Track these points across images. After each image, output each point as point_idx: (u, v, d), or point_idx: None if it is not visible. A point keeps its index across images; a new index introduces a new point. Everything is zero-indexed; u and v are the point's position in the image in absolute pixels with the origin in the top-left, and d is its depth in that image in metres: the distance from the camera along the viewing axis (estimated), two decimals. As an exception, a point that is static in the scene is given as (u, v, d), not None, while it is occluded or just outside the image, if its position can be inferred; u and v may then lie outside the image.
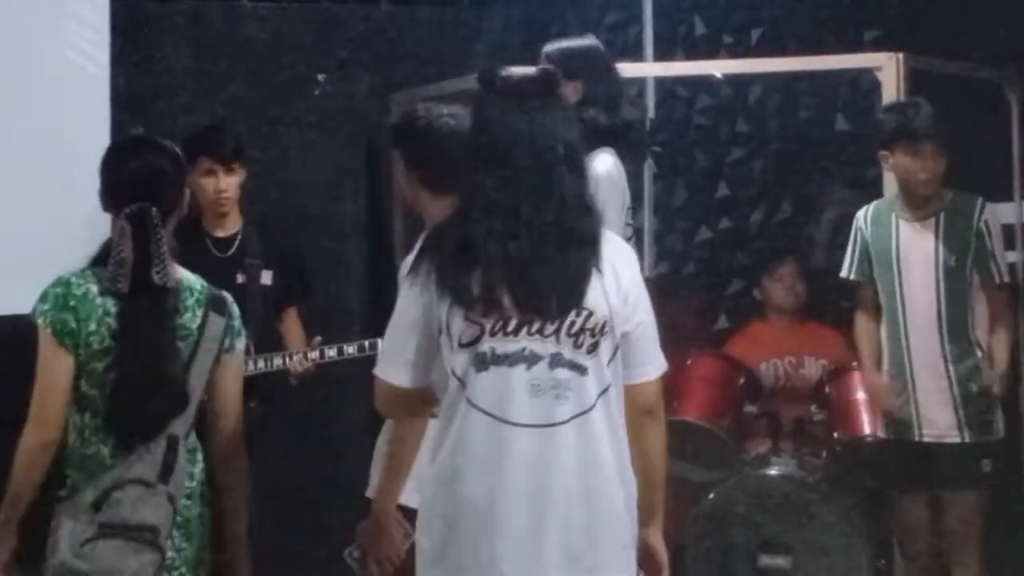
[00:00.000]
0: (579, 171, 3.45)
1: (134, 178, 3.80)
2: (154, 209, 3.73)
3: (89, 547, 3.57)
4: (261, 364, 5.47)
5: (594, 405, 3.36)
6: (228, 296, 3.94)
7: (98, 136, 5.51)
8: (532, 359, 3.32)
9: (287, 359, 5.48)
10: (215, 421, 3.89)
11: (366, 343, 5.47)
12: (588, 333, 3.34)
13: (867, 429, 5.89)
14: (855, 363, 6.15)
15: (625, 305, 3.40)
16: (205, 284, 3.90)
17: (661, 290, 6.31)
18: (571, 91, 5.11)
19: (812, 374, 6.44)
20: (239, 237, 5.58)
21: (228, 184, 5.49)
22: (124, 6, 5.94)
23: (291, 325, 5.68)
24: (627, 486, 3.44)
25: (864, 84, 6.51)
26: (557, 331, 3.33)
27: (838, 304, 6.71)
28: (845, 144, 6.86)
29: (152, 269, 3.69)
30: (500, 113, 3.43)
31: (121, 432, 3.66)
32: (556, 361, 3.33)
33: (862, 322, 5.69)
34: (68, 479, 3.68)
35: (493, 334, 3.32)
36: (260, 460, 5.61)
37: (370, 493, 4.09)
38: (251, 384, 5.49)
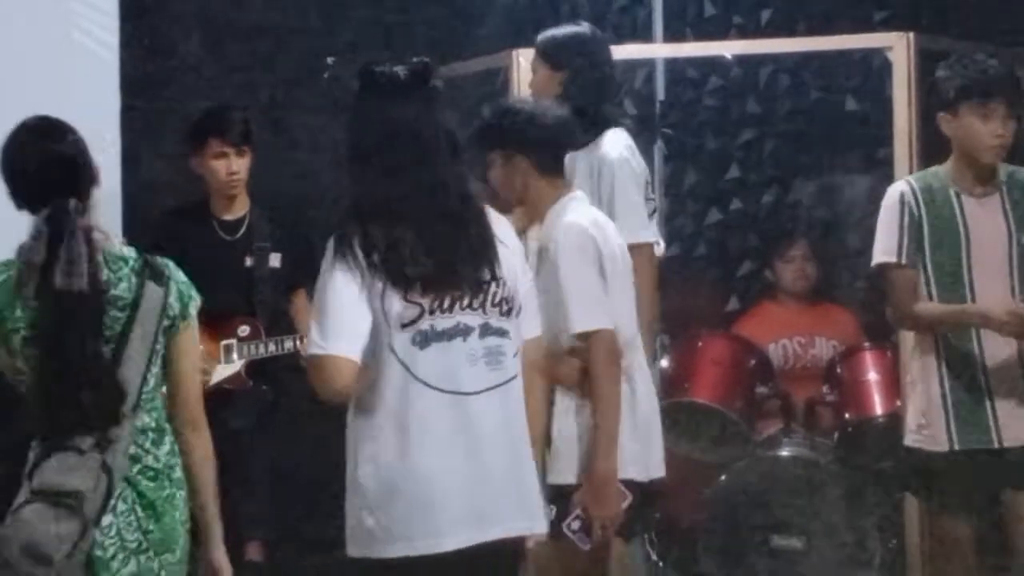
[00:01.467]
0: (459, 156, 3.63)
1: (46, 169, 3.62)
2: (72, 203, 3.56)
3: (17, 512, 3.49)
4: (272, 347, 5.47)
5: (517, 368, 3.61)
6: (168, 263, 3.74)
7: (108, 121, 5.53)
8: (466, 332, 3.54)
9: (298, 341, 5.48)
10: (172, 395, 3.74)
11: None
12: (505, 301, 3.59)
13: (879, 410, 5.88)
14: (866, 343, 6.15)
15: (522, 269, 3.69)
16: (140, 253, 3.71)
17: (672, 272, 6.33)
18: (553, 84, 5.13)
19: (823, 355, 6.43)
20: (247, 220, 5.58)
21: (240, 166, 5.49)
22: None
23: (300, 307, 5.67)
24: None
25: (874, 65, 6.49)
26: (483, 303, 3.56)
27: (850, 285, 6.71)
28: (855, 125, 6.84)
29: (73, 275, 3.52)
30: (382, 106, 3.58)
31: (57, 433, 3.55)
32: (486, 330, 3.56)
33: (912, 305, 4.72)
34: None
35: (432, 312, 3.50)
36: (271, 442, 5.65)
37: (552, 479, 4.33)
38: (262, 367, 5.52)
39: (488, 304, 3.56)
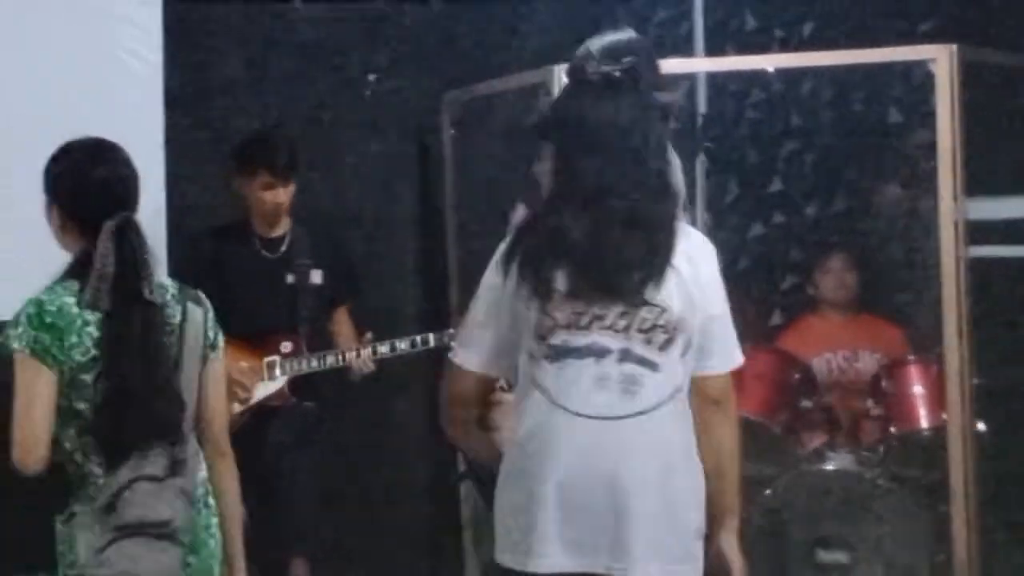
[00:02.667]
0: (661, 161, 3.47)
1: (108, 188, 3.65)
2: (135, 219, 3.61)
3: (109, 551, 3.46)
4: (314, 363, 5.49)
5: (664, 402, 3.39)
6: (200, 293, 3.77)
7: (151, 138, 5.55)
8: (601, 353, 3.36)
9: (339, 357, 5.49)
10: (205, 423, 3.74)
11: (418, 339, 5.49)
12: (661, 330, 3.37)
13: (924, 423, 5.85)
14: (912, 356, 6.11)
15: (701, 298, 3.42)
16: (175, 281, 3.75)
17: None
18: None
19: (868, 368, 6.39)
20: (288, 238, 5.60)
21: (285, 196, 5.53)
22: (176, 8, 5.97)
23: (342, 324, 5.70)
24: (691, 480, 3.47)
25: (917, 77, 6.45)
26: (628, 327, 3.36)
27: (895, 297, 6.67)
28: (898, 137, 6.81)
29: (143, 285, 3.57)
30: (583, 103, 3.45)
31: (122, 449, 3.52)
32: (625, 356, 3.37)
33: None
34: (70, 502, 3.55)
35: (567, 327, 3.37)
36: (314, 458, 5.66)
37: None
38: (305, 383, 5.54)
39: (634, 329, 3.36)
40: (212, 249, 5.45)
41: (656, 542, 3.40)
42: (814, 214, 7.03)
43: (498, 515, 3.49)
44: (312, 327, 5.56)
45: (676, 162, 5.03)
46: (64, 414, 3.54)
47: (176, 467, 3.55)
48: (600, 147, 3.40)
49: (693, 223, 5.50)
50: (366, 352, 5.49)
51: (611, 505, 3.37)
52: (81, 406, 3.54)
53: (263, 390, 5.43)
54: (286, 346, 5.48)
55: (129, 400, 3.52)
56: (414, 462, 6.51)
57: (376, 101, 6.64)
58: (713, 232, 7.05)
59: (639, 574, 3.39)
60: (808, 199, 7.06)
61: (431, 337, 5.48)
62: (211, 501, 3.72)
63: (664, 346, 3.37)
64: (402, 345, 5.50)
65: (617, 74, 3.45)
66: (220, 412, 3.81)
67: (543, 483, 3.38)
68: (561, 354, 3.37)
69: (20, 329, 3.53)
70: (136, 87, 5.78)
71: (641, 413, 3.37)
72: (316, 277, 5.59)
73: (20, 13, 5.66)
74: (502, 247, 3.47)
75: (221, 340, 3.79)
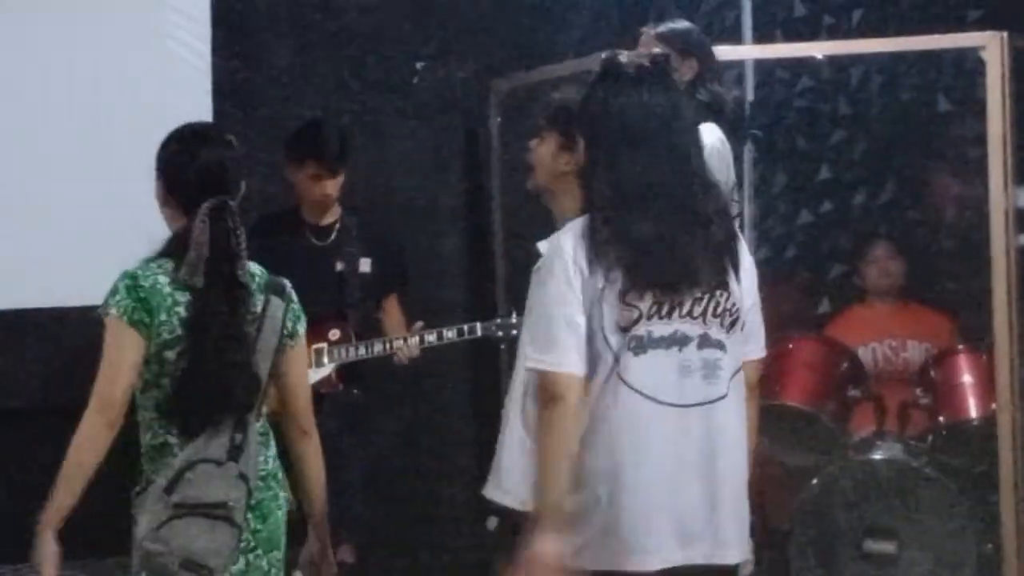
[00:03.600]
0: (701, 151, 3.52)
1: (209, 171, 3.78)
2: (232, 203, 3.74)
3: (164, 529, 3.59)
4: (362, 351, 5.51)
5: (733, 384, 3.44)
6: (286, 282, 3.90)
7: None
8: (683, 341, 3.38)
9: (387, 345, 5.51)
10: (287, 405, 3.91)
11: (465, 328, 5.49)
12: (728, 313, 3.42)
13: (973, 413, 5.82)
14: (960, 346, 6.08)
15: (749, 284, 3.50)
16: (263, 270, 3.88)
17: (762, 274, 6.29)
18: (686, 68, 5.14)
19: (915, 357, 6.36)
20: (337, 226, 5.63)
21: (333, 188, 5.56)
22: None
23: (391, 312, 5.72)
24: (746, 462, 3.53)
25: (967, 64, 6.41)
26: (704, 312, 3.39)
27: (944, 286, 6.64)
28: (948, 125, 6.77)
29: (236, 266, 3.71)
30: (630, 98, 3.45)
31: (199, 419, 3.67)
32: (704, 342, 3.40)
33: None
34: (143, 473, 3.71)
35: (649, 318, 3.37)
36: (362, 445, 5.69)
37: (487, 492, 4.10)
38: (352, 371, 5.56)
39: (710, 314, 3.39)
40: (263, 236, 5.44)
41: (741, 525, 3.47)
42: (862, 202, 7.00)
43: (582, 517, 3.39)
44: (360, 315, 5.59)
45: (727, 150, 5.07)
46: (147, 387, 3.70)
47: (236, 452, 3.68)
48: (647, 140, 3.41)
49: (741, 211, 5.55)
50: (413, 340, 5.50)
51: (708, 493, 3.39)
52: (164, 381, 3.68)
53: (311, 376, 5.44)
54: (334, 333, 5.50)
55: (208, 374, 3.66)
56: (459, 449, 6.52)
57: (424, 89, 6.65)
58: (761, 220, 7.04)
59: (733, 559, 3.44)
60: (856, 187, 7.04)
61: (478, 327, 5.48)
62: (280, 476, 3.85)
63: (731, 328, 3.42)
64: (449, 334, 5.51)
65: (650, 66, 3.48)
66: (302, 393, 3.95)
67: (641, 478, 3.36)
68: (646, 345, 3.37)
69: (118, 297, 3.67)
70: (185, 76, 5.83)
71: (722, 397, 3.41)
72: (365, 265, 5.61)
73: (71, 3, 5.71)
74: (565, 245, 3.40)
75: (302, 328, 3.92)
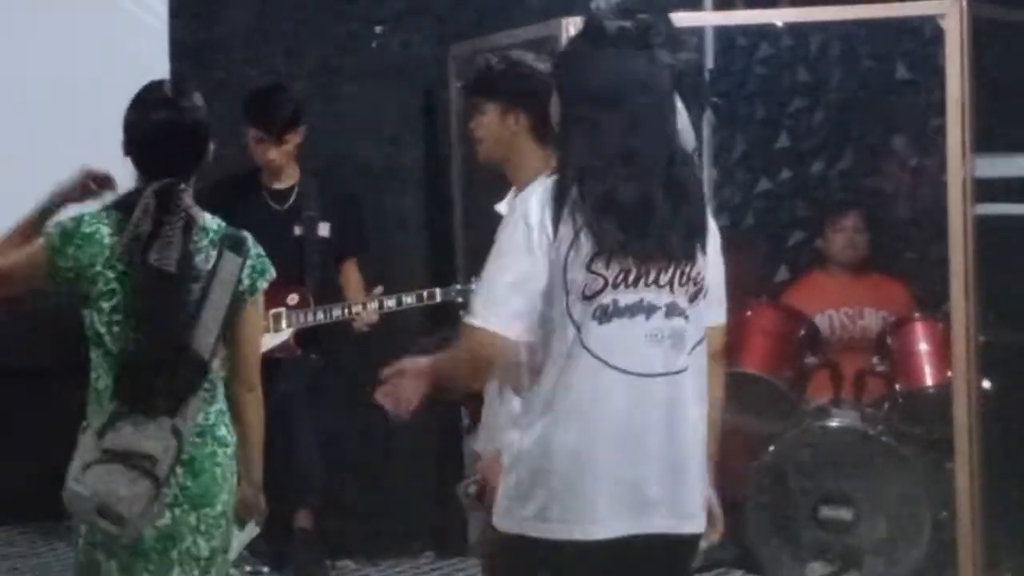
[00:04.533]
0: (676, 118, 3.41)
1: (162, 142, 3.76)
2: (182, 186, 3.71)
3: (90, 471, 3.60)
4: (320, 316, 5.50)
5: (692, 354, 3.37)
6: (246, 236, 3.85)
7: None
8: (650, 309, 3.31)
9: (346, 310, 5.50)
10: (235, 363, 3.86)
11: (424, 293, 5.49)
12: (693, 282, 3.34)
13: (929, 381, 5.85)
14: (917, 314, 6.11)
15: (713, 251, 3.42)
16: (222, 224, 3.83)
17: (721, 241, 6.30)
18: None
19: (872, 326, 6.39)
20: (296, 190, 5.62)
21: (277, 155, 5.55)
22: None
23: (350, 276, 5.70)
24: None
25: (927, 32, 6.42)
26: (671, 281, 3.31)
27: (901, 255, 6.66)
28: (907, 93, 6.78)
29: (151, 251, 3.65)
30: (610, 59, 3.37)
31: (139, 404, 3.65)
32: (672, 310, 3.32)
33: None
34: (88, 412, 3.74)
35: (615, 286, 3.29)
36: (319, 411, 5.68)
37: (478, 446, 4.04)
38: (311, 336, 5.55)
39: (676, 283, 3.31)
40: (219, 199, 5.38)
41: (699, 494, 3.39)
42: (821, 170, 7.01)
43: (538, 485, 3.32)
44: (319, 280, 5.57)
45: (685, 117, 5.06)
46: (88, 330, 3.71)
47: (173, 407, 3.64)
48: (627, 104, 3.32)
49: (700, 178, 5.55)
50: (372, 306, 5.48)
51: (668, 463, 3.33)
52: (101, 329, 3.69)
53: (269, 341, 5.42)
54: (293, 298, 5.49)
55: (137, 364, 3.64)
56: (420, 417, 6.50)
57: (383, 53, 6.62)
58: (720, 187, 7.05)
59: (692, 527, 3.38)
60: (815, 155, 7.05)
61: (437, 292, 5.47)
62: (220, 433, 3.80)
63: (694, 298, 3.35)
64: (408, 299, 5.50)
65: (633, 29, 3.44)
66: (252, 350, 3.92)
67: (604, 447, 3.30)
68: (612, 314, 3.30)
69: (53, 228, 3.71)
70: (142, 37, 5.79)
71: (686, 368, 3.34)
72: (324, 230, 5.60)
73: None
74: (531, 205, 3.32)
75: (262, 284, 3.86)
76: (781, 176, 7.06)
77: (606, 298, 3.29)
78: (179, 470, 3.70)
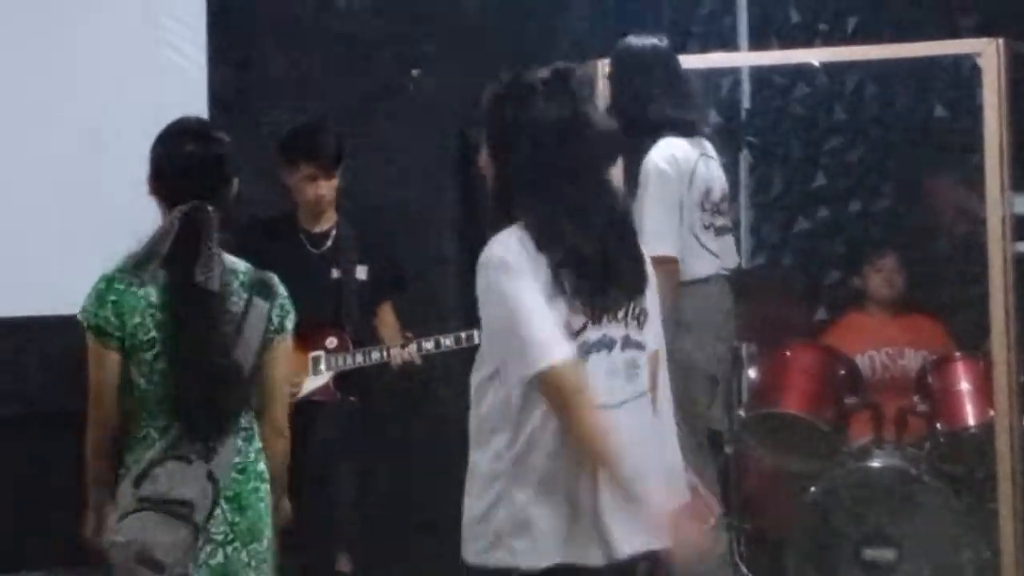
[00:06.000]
0: (612, 160, 3.70)
1: (188, 167, 3.80)
2: (209, 208, 3.74)
3: (127, 520, 3.63)
4: (359, 358, 5.49)
5: (648, 379, 3.55)
6: (273, 278, 3.91)
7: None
8: (610, 344, 3.47)
9: (384, 353, 5.50)
10: (263, 404, 3.90)
11: (462, 335, 5.48)
12: (643, 313, 3.54)
13: (971, 420, 5.81)
14: (957, 353, 6.08)
15: (651, 281, 3.62)
16: (249, 267, 3.88)
17: (759, 281, 6.29)
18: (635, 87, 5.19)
19: (912, 365, 6.36)
20: (333, 232, 5.61)
21: (327, 189, 5.53)
22: (220, 3, 5.98)
23: (386, 319, 5.70)
24: None
25: (964, 71, 6.42)
26: (626, 315, 3.50)
27: (940, 293, 6.63)
28: (944, 132, 6.76)
29: (196, 270, 3.70)
30: (534, 111, 3.50)
31: (189, 427, 3.70)
32: (626, 343, 3.50)
33: None
34: (124, 461, 3.76)
35: (586, 326, 3.43)
36: (358, 454, 5.67)
37: None
38: (348, 378, 5.54)
39: (629, 316, 3.50)
40: (257, 242, 5.42)
41: (653, 516, 3.46)
42: (859, 209, 6.99)
43: (511, 515, 3.46)
44: (357, 322, 5.57)
45: (678, 164, 5.12)
46: (129, 384, 3.74)
47: (208, 451, 3.70)
48: (557, 151, 3.45)
49: (737, 218, 5.55)
50: (411, 348, 5.48)
51: (631, 490, 3.42)
52: (143, 380, 3.73)
53: (308, 385, 5.43)
54: (331, 341, 5.49)
55: (184, 380, 3.70)
56: (456, 457, 6.48)
57: (419, 95, 6.63)
58: (757, 227, 7.03)
59: (641, 546, 3.48)
60: (853, 194, 7.03)
61: (475, 334, 5.46)
62: (260, 468, 3.85)
63: (643, 326, 3.53)
64: (447, 341, 5.49)
65: (551, 79, 3.53)
66: (280, 393, 3.96)
67: (578, 479, 3.42)
68: (582, 351, 3.42)
69: (88, 304, 3.75)
70: (180, 82, 5.81)
71: (643, 394, 3.52)
72: (361, 273, 5.59)
73: (63, 10, 5.69)
74: (509, 253, 3.41)
75: (289, 323, 3.91)
76: (818, 215, 7.04)
77: (581, 336, 3.41)
78: (226, 507, 3.74)
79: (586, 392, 3.38)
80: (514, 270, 3.39)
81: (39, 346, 5.65)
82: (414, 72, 6.64)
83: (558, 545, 3.43)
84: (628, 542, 3.44)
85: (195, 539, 3.68)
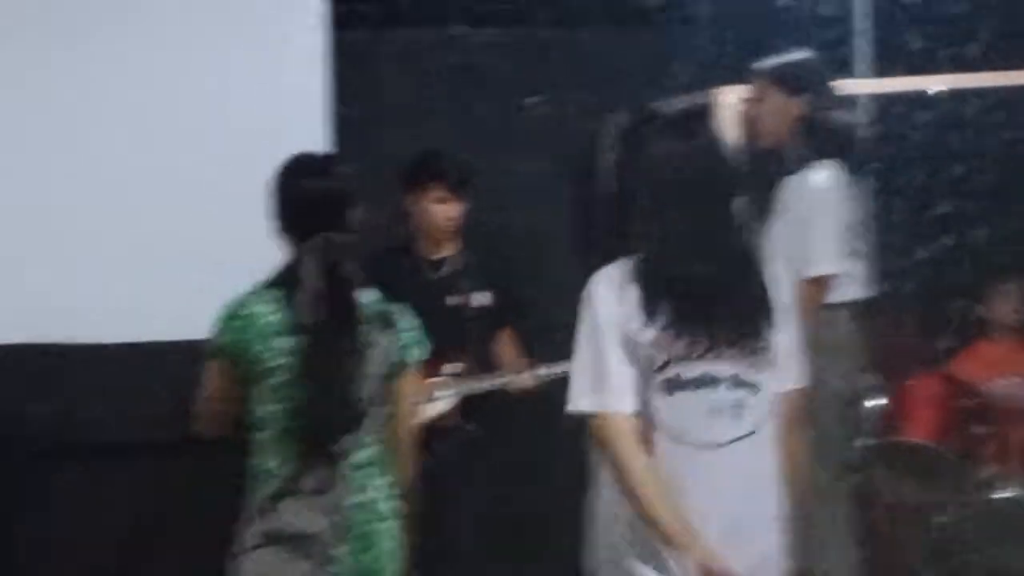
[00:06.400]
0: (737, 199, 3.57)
1: (313, 202, 3.84)
2: (339, 238, 3.77)
3: (251, 556, 3.68)
4: (480, 385, 5.50)
5: (765, 422, 3.49)
6: (398, 309, 3.94)
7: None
8: (713, 382, 3.43)
9: (505, 379, 5.50)
10: (390, 436, 3.93)
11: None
12: (759, 352, 3.47)
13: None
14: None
15: (784, 319, 3.54)
16: (374, 297, 3.90)
17: (883, 310, 6.22)
18: (793, 106, 5.11)
19: (1042, 394, 6.27)
20: (455, 259, 5.62)
21: (458, 211, 5.54)
22: (342, 34, 6.04)
23: (506, 345, 5.70)
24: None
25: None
26: (735, 354, 3.45)
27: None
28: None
29: (348, 302, 3.76)
30: (668, 147, 3.52)
31: (301, 452, 3.73)
32: (734, 382, 3.45)
33: None
34: (248, 496, 3.79)
35: (679, 360, 3.42)
36: (479, 482, 5.66)
37: None
38: (468, 405, 5.54)
39: (740, 356, 3.45)
40: (378, 269, 5.44)
41: (766, 558, 3.49)
42: (984, 236, 6.90)
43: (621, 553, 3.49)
44: (476, 349, 5.57)
45: (837, 187, 5.07)
46: (252, 414, 3.78)
47: (333, 483, 3.73)
48: (688, 188, 3.47)
49: (862, 245, 5.49)
50: (531, 374, 5.48)
51: (734, 527, 3.41)
52: (267, 409, 3.75)
53: (429, 411, 5.44)
54: (451, 367, 5.50)
55: (311, 409, 3.71)
56: (577, 484, 6.47)
57: (539, 124, 6.65)
58: (881, 255, 6.95)
59: None
60: (977, 221, 6.94)
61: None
62: (389, 505, 3.86)
63: (762, 368, 3.47)
64: (567, 368, 5.47)
65: (686, 116, 3.55)
66: (404, 426, 4.00)
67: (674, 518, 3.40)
68: (674, 387, 3.42)
69: (215, 328, 3.80)
70: (301, 115, 5.86)
71: (750, 434, 3.46)
72: (480, 299, 5.60)
73: (183, 41, 5.77)
74: (600, 287, 3.53)
75: (413, 355, 3.94)
76: (942, 243, 6.96)
77: (671, 372, 3.41)
78: (349, 546, 3.72)
79: (623, 439, 3.41)
80: (594, 305, 3.51)
81: (167, 371, 5.71)
82: (533, 100, 6.65)
83: None
84: None
85: (320, 571, 3.68)
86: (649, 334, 3.40)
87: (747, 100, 5.38)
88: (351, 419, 3.76)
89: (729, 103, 5.65)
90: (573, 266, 6.67)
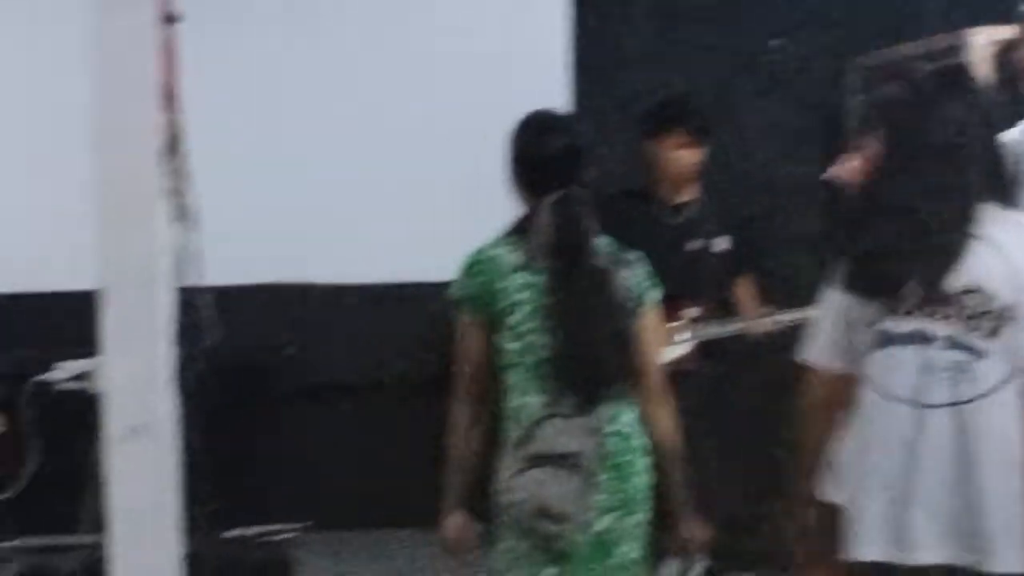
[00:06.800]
0: (982, 159, 3.46)
1: (554, 160, 3.91)
2: (575, 193, 3.85)
3: (517, 479, 3.76)
4: (718, 329, 5.51)
5: (995, 389, 3.37)
6: (631, 253, 4.01)
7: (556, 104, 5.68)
8: (926, 339, 3.38)
9: (743, 324, 5.51)
10: (639, 374, 3.99)
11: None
12: (988, 316, 3.36)
13: None
14: None
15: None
16: (610, 243, 3.98)
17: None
18: None
19: None
20: (694, 204, 5.63)
21: (699, 156, 5.54)
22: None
23: (745, 292, 5.69)
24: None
25: None
26: (953, 314, 3.37)
27: None
28: None
29: (583, 251, 3.85)
30: (924, 108, 3.47)
31: (553, 386, 3.83)
32: (952, 343, 3.37)
33: None
34: (502, 432, 3.89)
35: (892, 313, 3.39)
36: (717, 423, 5.69)
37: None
38: (706, 348, 5.57)
39: (961, 316, 3.37)
40: (616, 213, 5.46)
41: (1009, 533, 3.37)
42: None
43: (852, 506, 3.47)
44: (717, 293, 5.59)
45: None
46: (504, 359, 3.88)
47: (587, 407, 3.82)
48: (941, 150, 3.41)
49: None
50: (769, 320, 5.48)
51: (961, 498, 3.36)
52: (514, 346, 3.86)
53: (669, 354, 5.47)
54: (691, 311, 5.52)
55: (565, 353, 3.82)
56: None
57: (781, 67, 6.61)
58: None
59: (997, 567, 3.37)
60: None
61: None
62: (638, 443, 3.95)
63: (992, 333, 3.36)
64: (807, 315, 5.47)
65: (948, 77, 3.52)
66: (651, 363, 4.05)
67: (873, 473, 3.42)
68: (885, 342, 3.40)
69: (459, 280, 3.91)
70: (543, 55, 5.93)
71: (978, 397, 3.36)
72: (721, 244, 5.60)
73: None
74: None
75: (652, 295, 4.01)
76: None
77: (883, 325, 3.39)
78: (612, 475, 3.84)
79: (813, 401, 3.53)
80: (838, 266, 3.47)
81: (393, 314, 5.87)
82: (774, 43, 6.61)
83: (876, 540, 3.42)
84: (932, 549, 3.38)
85: (588, 487, 3.79)
86: (860, 290, 3.42)
87: (1008, 42, 5.22)
88: (596, 356, 3.85)
89: (981, 44, 5.53)
90: (814, 213, 6.65)
